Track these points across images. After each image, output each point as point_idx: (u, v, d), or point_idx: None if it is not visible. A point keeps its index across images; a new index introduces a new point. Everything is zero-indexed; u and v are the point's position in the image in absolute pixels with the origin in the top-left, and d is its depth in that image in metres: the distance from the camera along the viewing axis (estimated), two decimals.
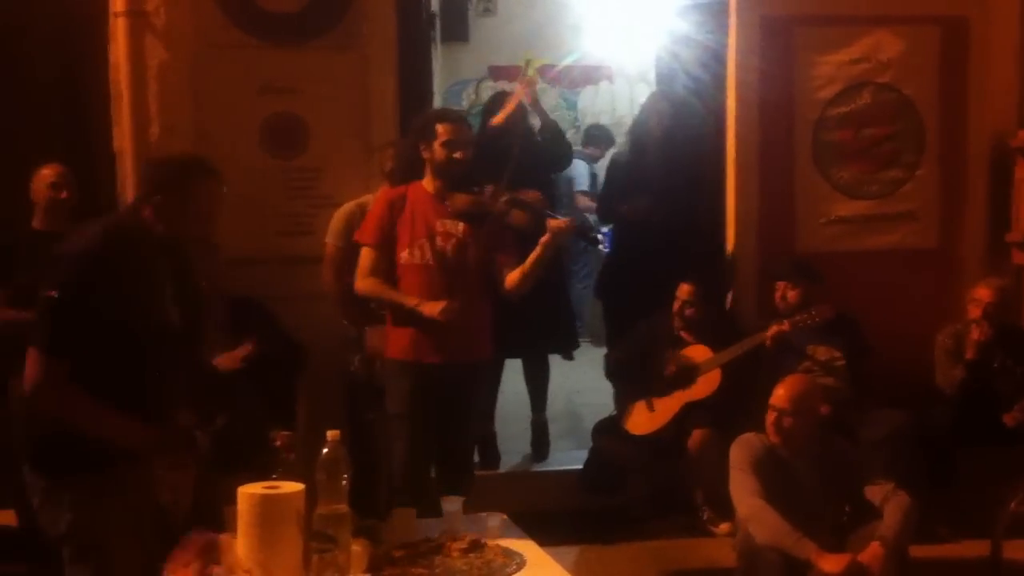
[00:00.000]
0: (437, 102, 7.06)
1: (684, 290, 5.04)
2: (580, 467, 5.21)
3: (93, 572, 2.86)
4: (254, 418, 3.94)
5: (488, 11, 10.37)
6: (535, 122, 5.55)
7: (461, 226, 4.08)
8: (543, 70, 7.59)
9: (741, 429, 4.06)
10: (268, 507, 2.56)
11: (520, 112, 5.35)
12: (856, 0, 5.53)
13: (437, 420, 4.12)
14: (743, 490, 3.81)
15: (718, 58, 5.56)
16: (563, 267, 6.05)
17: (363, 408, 4.61)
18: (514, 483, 5.40)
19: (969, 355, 4.98)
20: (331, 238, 4.82)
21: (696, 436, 4.84)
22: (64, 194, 4.71)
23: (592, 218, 7.81)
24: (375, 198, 4.47)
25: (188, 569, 2.60)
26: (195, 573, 2.59)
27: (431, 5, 6.28)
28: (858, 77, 5.51)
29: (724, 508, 4.46)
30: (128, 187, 4.98)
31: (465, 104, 10.01)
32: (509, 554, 3.05)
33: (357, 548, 2.76)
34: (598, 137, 9.40)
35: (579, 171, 8.83)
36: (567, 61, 8.65)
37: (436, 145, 4.06)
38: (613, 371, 5.25)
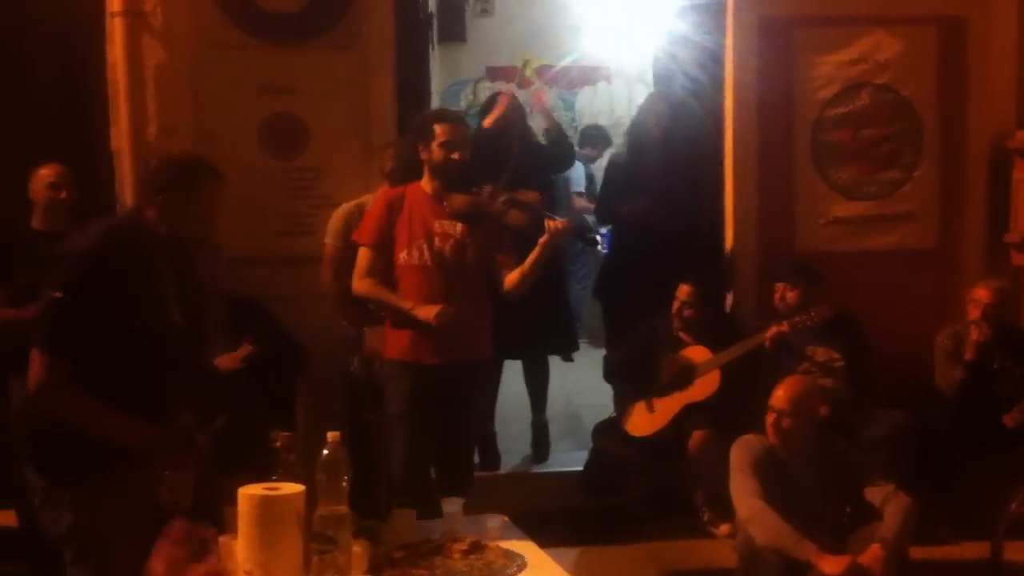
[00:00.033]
0: (435, 103, 7.05)
1: (683, 291, 5.03)
2: (580, 468, 5.21)
3: (93, 572, 2.86)
4: (254, 418, 3.92)
5: (486, 11, 10.35)
6: (534, 122, 5.54)
7: (459, 226, 4.06)
8: (541, 71, 7.60)
9: (741, 430, 4.06)
10: (268, 508, 2.55)
11: (518, 113, 5.35)
12: (854, 1, 5.53)
13: (437, 421, 4.11)
14: (743, 491, 3.81)
15: (716, 59, 5.55)
16: (562, 268, 6.04)
17: (363, 409, 4.60)
18: (514, 484, 5.40)
19: (968, 356, 4.98)
20: (330, 238, 4.81)
21: (696, 437, 4.84)
22: (63, 194, 4.70)
23: (589, 219, 7.79)
24: (374, 198, 4.46)
25: (170, 558, 2.60)
26: (176, 562, 2.59)
27: (428, 5, 6.27)
28: (856, 78, 5.51)
29: (724, 509, 4.45)
30: (126, 187, 4.99)
31: (463, 104, 9.96)
32: (510, 555, 3.04)
33: (357, 549, 2.76)
34: (595, 138, 9.33)
35: (575, 172, 8.73)
36: (565, 62, 8.67)
37: (434, 145, 4.04)
38: (612, 372, 5.25)
